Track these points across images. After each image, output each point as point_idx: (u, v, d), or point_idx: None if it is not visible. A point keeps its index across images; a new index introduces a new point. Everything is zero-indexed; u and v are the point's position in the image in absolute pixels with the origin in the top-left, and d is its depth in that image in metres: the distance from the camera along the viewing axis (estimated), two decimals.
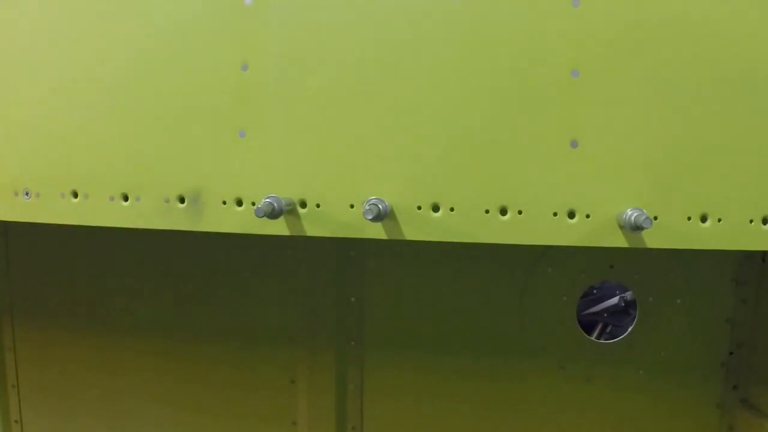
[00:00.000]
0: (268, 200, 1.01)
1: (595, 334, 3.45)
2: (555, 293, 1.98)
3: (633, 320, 2.02)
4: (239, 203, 1.09)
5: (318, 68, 1.04)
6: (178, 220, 1.11)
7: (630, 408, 2.03)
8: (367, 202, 1.01)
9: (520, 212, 1.02)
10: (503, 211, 1.02)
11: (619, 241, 1.02)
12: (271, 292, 2.07)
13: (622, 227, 1.00)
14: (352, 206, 1.04)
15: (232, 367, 2.03)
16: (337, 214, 1.05)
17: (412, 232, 1.04)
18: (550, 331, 1.99)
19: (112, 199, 1.15)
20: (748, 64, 0.98)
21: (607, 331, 3.49)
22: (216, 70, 1.08)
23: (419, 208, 1.03)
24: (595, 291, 3.65)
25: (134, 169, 1.12)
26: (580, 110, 1.00)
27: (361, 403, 2.10)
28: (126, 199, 1.14)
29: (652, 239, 1.01)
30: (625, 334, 2.02)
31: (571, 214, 1.01)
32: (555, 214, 1.01)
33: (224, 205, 1.09)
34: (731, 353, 1.97)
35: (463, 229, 1.03)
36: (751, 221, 1.01)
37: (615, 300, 3.58)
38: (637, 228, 0.96)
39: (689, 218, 1.01)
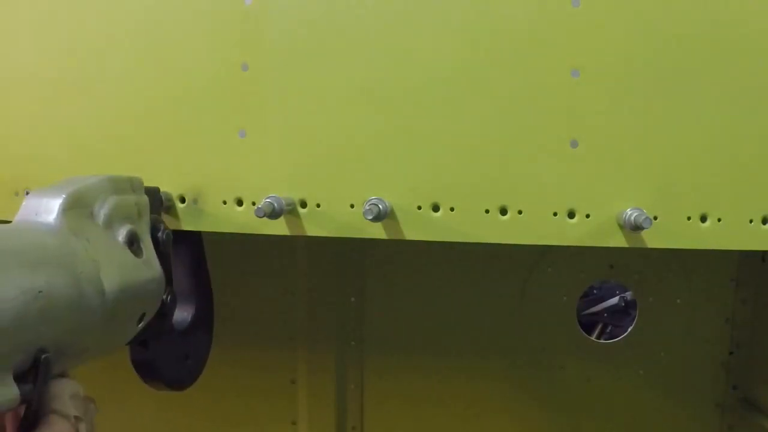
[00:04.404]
0: (268, 200, 1.01)
1: (595, 334, 3.45)
2: (555, 293, 1.98)
3: (633, 320, 2.02)
4: (239, 203, 1.09)
5: (318, 68, 1.04)
6: (178, 220, 1.11)
7: (630, 408, 2.03)
8: (367, 202, 1.01)
9: (520, 212, 1.02)
10: (503, 211, 1.02)
11: (619, 241, 1.02)
12: (271, 292, 2.07)
13: (622, 227, 1.00)
14: (352, 206, 1.04)
15: (232, 367, 2.03)
16: (337, 214, 1.05)
17: (412, 232, 1.04)
18: (550, 331, 2.00)
19: None
20: (749, 64, 0.98)
21: (607, 331, 3.50)
22: (216, 70, 1.07)
23: (419, 208, 1.03)
24: (595, 291, 3.65)
25: (134, 169, 1.12)
26: (580, 110, 1.00)
27: (361, 403, 2.10)
28: None
29: (652, 239, 1.01)
30: (625, 334, 2.02)
31: (571, 214, 1.01)
32: (555, 214, 1.01)
33: (224, 205, 1.09)
34: (731, 353, 1.97)
35: (463, 229, 1.03)
36: (750, 221, 1.01)
37: (615, 300, 3.58)
38: (637, 228, 0.96)
39: (689, 218, 1.01)
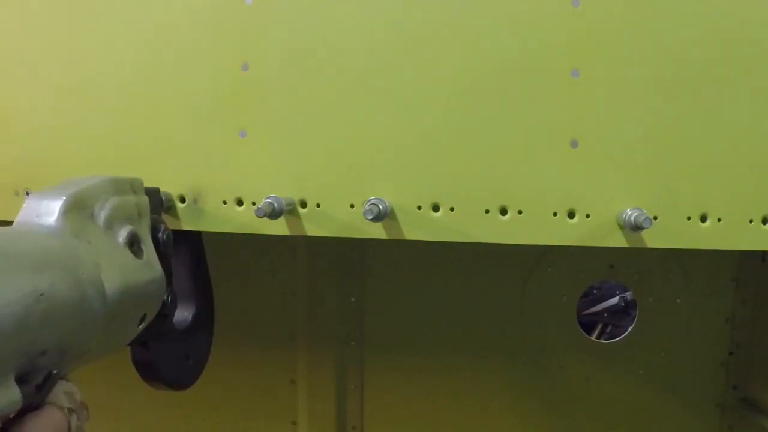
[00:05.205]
0: (268, 200, 1.01)
1: (595, 334, 3.45)
2: (555, 293, 1.98)
3: (633, 320, 2.02)
4: (239, 203, 1.09)
5: (318, 68, 1.04)
6: (178, 220, 1.11)
7: (630, 408, 2.03)
8: (367, 202, 1.01)
9: (520, 212, 1.02)
10: (503, 211, 1.02)
11: (619, 241, 1.02)
12: (271, 292, 2.07)
13: (622, 227, 1.00)
14: (352, 206, 1.04)
15: (232, 367, 2.03)
16: (337, 214, 1.05)
17: (412, 232, 1.04)
18: (550, 331, 2.00)
19: None
20: (749, 65, 0.98)
21: (607, 331, 3.50)
22: (216, 70, 1.08)
23: (419, 208, 1.03)
24: (595, 291, 3.65)
25: (134, 169, 1.12)
26: (580, 110, 1.00)
27: (361, 403, 2.10)
28: None
29: (652, 239, 1.01)
30: (625, 334, 2.02)
31: (571, 214, 1.02)
32: (555, 214, 1.01)
33: (224, 205, 1.09)
34: (731, 353, 1.97)
35: (463, 229, 1.03)
36: (750, 221, 1.01)
37: (615, 300, 3.58)
38: (636, 228, 0.96)
39: (689, 218, 1.01)
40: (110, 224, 0.80)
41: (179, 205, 1.11)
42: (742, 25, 0.98)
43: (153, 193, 0.98)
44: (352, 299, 2.04)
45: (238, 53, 1.06)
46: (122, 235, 0.82)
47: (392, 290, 2.04)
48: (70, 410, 0.64)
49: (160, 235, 0.95)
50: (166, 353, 1.08)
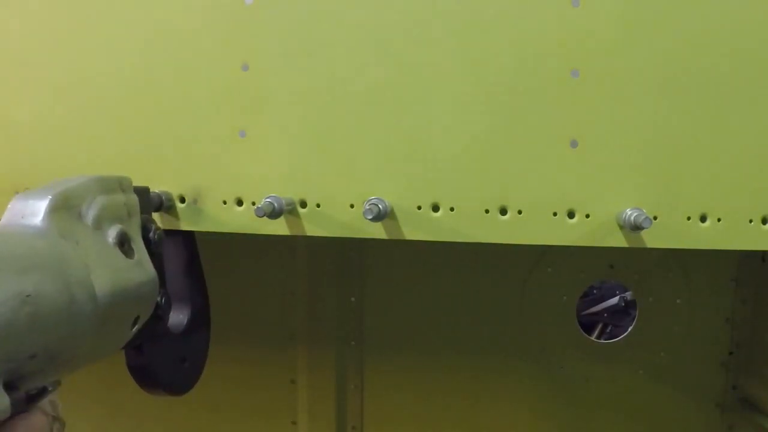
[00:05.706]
0: (268, 200, 1.01)
1: (595, 334, 3.45)
2: (555, 293, 1.98)
3: (633, 320, 2.02)
4: (239, 203, 1.09)
5: (318, 68, 1.04)
6: (178, 220, 1.11)
7: (630, 408, 2.03)
8: (367, 202, 1.01)
9: (520, 212, 1.02)
10: (503, 211, 1.02)
11: (619, 241, 1.02)
12: (271, 292, 2.07)
13: (621, 227, 1.00)
14: (352, 206, 1.04)
15: (232, 367, 2.03)
16: (337, 214, 1.05)
17: (412, 232, 1.04)
18: (550, 331, 2.00)
19: None
20: (749, 65, 0.98)
21: (607, 331, 3.50)
22: (216, 70, 1.08)
23: (419, 208, 1.03)
24: (595, 291, 3.65)
25: (134, 169, 1.12)
26: (580, 110, 1.00)
27: (361, 403, 2.10)
28: None
29: (652, 239, 1.01)
30: (625, 334, 2.02)
31: (571, 214, 1.02)
32: (555, 214, 1.01)
33: (224, 205, 1.09)
34: (731, 353, 1.97)
35: (463, 229, 1.03)
36: (750, 221, 1.01)
37: (615, 300, 3.58)
38: (636, 228, 0.96)
39: (689, 218, 1.01)
40: (99, 224, 0.78)
41: (179, 205, 1.11)
42: (742, 25, 0.98)
43: (143, 192, 0.95)
44: (352, 299, 2.04)
45: (238, 53, 1.06)
46: (112, 234, 0.80)
47: (392, 290, 2.04)
48: (54, 418, 0.63)
49: (151, 234, 0.92)
50: (162, 357, 1.04)
